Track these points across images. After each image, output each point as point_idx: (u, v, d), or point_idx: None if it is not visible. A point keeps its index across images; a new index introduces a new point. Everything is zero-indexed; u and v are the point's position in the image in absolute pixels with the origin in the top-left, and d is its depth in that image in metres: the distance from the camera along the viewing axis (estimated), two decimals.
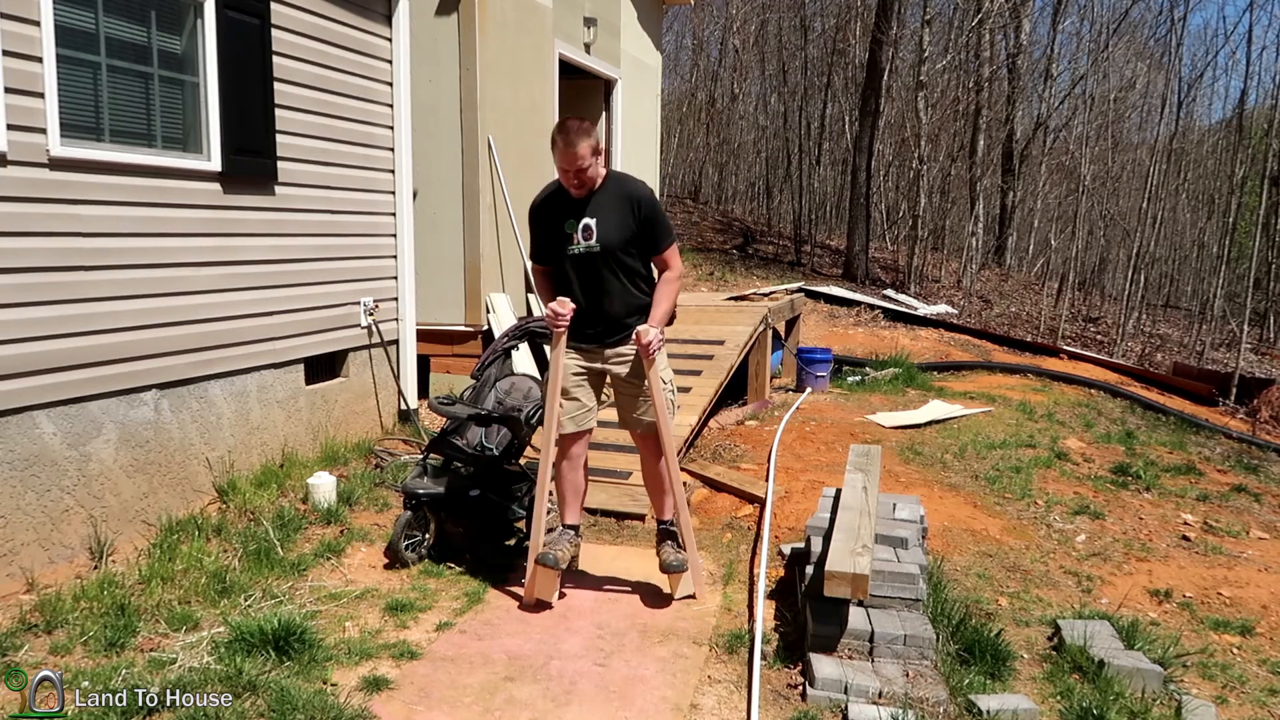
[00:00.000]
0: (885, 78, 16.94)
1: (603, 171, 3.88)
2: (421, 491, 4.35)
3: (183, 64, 4.61)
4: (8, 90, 3.72)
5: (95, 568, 4.05)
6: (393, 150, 6.11)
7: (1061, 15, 21.62)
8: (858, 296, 13.87)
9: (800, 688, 3.26)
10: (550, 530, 4.06)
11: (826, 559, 3.33)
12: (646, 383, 3.88)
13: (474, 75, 6.78)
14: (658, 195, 4.01)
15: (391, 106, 6.08)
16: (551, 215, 3.90)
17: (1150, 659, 3.61)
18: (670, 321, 3.95)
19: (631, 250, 3.86)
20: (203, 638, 3.45)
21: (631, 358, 3.93)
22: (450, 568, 4.36)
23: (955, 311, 15.02)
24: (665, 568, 4.02)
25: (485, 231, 6.95)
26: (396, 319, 6.24)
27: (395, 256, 6.19)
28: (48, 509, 3.96)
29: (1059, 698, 3.36)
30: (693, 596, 4.03)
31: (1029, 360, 11.00)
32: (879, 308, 13.31)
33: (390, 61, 6.03)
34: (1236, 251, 18.47)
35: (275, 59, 5.06)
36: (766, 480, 5.45)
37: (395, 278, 6.21)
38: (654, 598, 4.04)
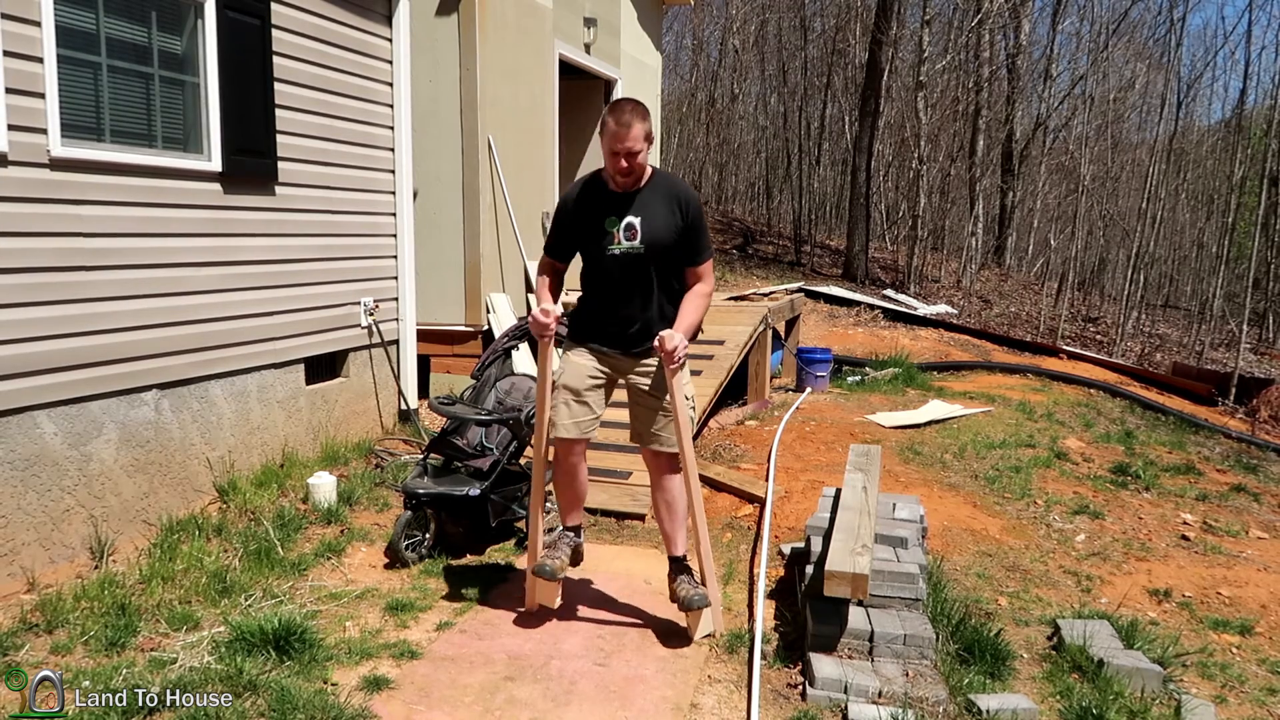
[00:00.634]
0: (885, 78, 16.94)
1: (649, 169, 3.57)
2: (421, 491, 4.35)
3: (183, 64, 4.61)
4: (8, 90, 3.72)
5: (96, 567, 4.05)
6: (393, 150, 6.12)
7: (1061, 15, 21.65)
8: (858, 296, 13.87)
9: (800, 687, 3.26)
10: (550, 530, 3.96)
11: (826, 559, 3.33)
12: (668, 397, 3.54)
13: (474, 75, 6.78)
14: None
15: (392, 107, 6.08)
16: (589, 211, 3.56)
17: (1150, 658, 3.62)
18: (694, 338, 3.61)
19: (672, 255, 3.55)
20: (203, 637, 3.46)
21: (655, 368, 3.61)
22: (450, 568, 4.36)
23: (955, 311, 15.02)
24: (684, 604, 3.62)
25: (485, 231, 6.96)
26: (397, 319, 6.24)
27: (395, 256, 6.19)
28: (48, 509, 3.96)
29: (1058, 697, 3.37)
30: (712, 635, 3.67)
31: (1028, 360, 11.00)
32: (879, 308, 13.31)
33: (390, 62, 6.04)
34: (1236, 251, 18.49)
35: (275, 59, 5.06)
36: (766, 480, 5.45)
37: (395, 278, 6.21)
38: (654, 598, 4.03)
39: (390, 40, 6.02)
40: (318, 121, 5.42)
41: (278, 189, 5.15)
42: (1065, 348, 12.24)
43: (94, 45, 4.13)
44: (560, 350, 3.77)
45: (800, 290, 12.85)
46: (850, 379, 8.92)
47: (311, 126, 5.37)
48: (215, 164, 4.71)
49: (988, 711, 3.08)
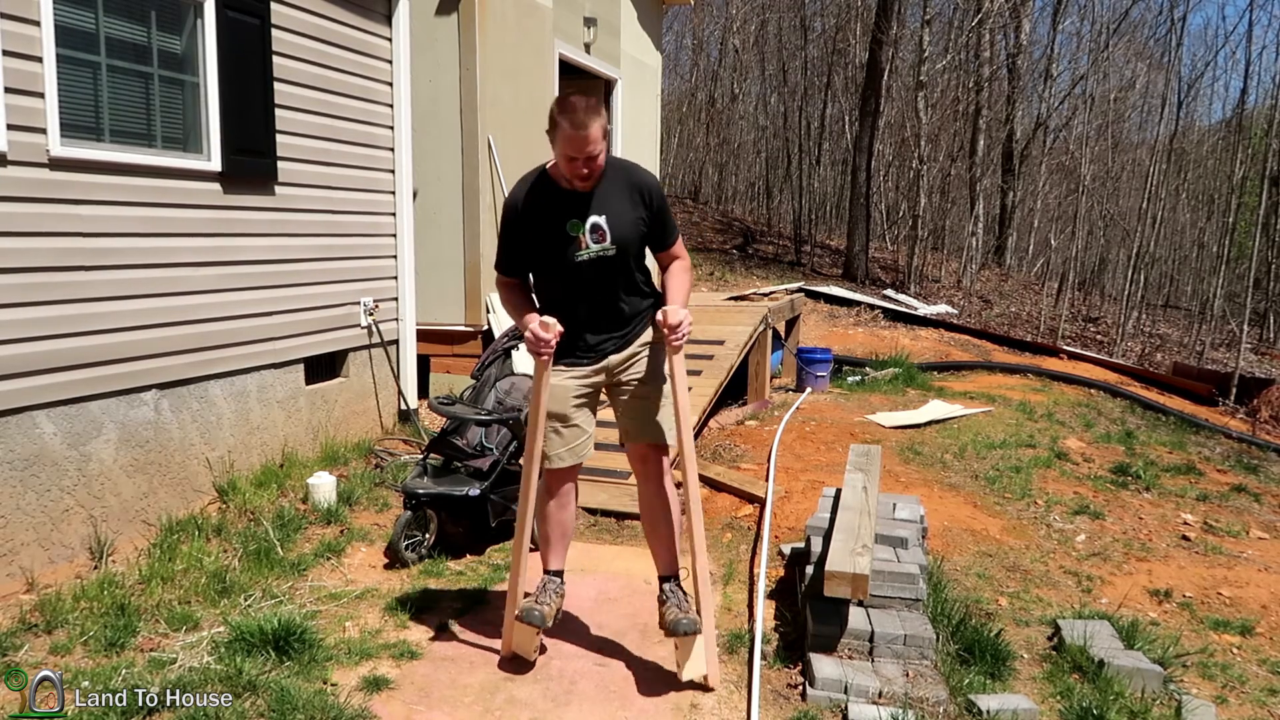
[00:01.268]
0: (885, 78, 16.94)
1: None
2: (421, 491, 4.35)
3: (183, 64, 4.61)
4: (8, 90, 3.72)
5: (95, 568, 4.05)
6: (393, 150, 6.11)
7: (1061, 15, 21.64)
8: (858, 296, 13.87)
9: (800, 688, 3.26)
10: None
11: (826, 559, 3.33)
12: (665, 382, 3.24)
13: (474, 75, 6.78)
14: None
15: (391, 106, 6.08)
16: (545, 215, 3.17)
17: (1150, 659, 3.61)
18: None
19: (643, 246, 3.27)
20: (203, 638, 3.45)
21: (644, 356, 3.31)
22: (450, 568, 4.36)
23: (955, 311, 15.02)
24: (671, 628, 3.21)
25: (485, 231, 6.95)
26: (396, 319, 6.24)
27: (395, 256, 6.19)
28: (48, 509, 3.96)
29: (1059, 698, 3.36)
30: (705, 681, 3.25)
31: (1029, 360, 11.00)
32: (879, 308, 13.31)
33: (390, 61, 6.03)
34: (1236, 251, 18.48)
35: (275, 59, 5.06)
36: (766, 480, 5.45)
37: (395, 278, 6.21)
38: (653, 598, 4.01)
39: (390, 40, 6.02)
40: (318, 121, 5.42)
41: (277, 189, 5.15)
42: (1065, 348, 12.24)
43: (93, 45, 4.13)
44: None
45: (800, 290, 12.85)
46: (850, 379, 8.92)
47: (311, 126, 5.36)
48: (215, 164, 4.71)
49: (988, 712, 3.07)
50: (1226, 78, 32.79)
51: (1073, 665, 3.57)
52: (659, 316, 3.15)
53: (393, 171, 6.12)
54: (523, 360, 6.71)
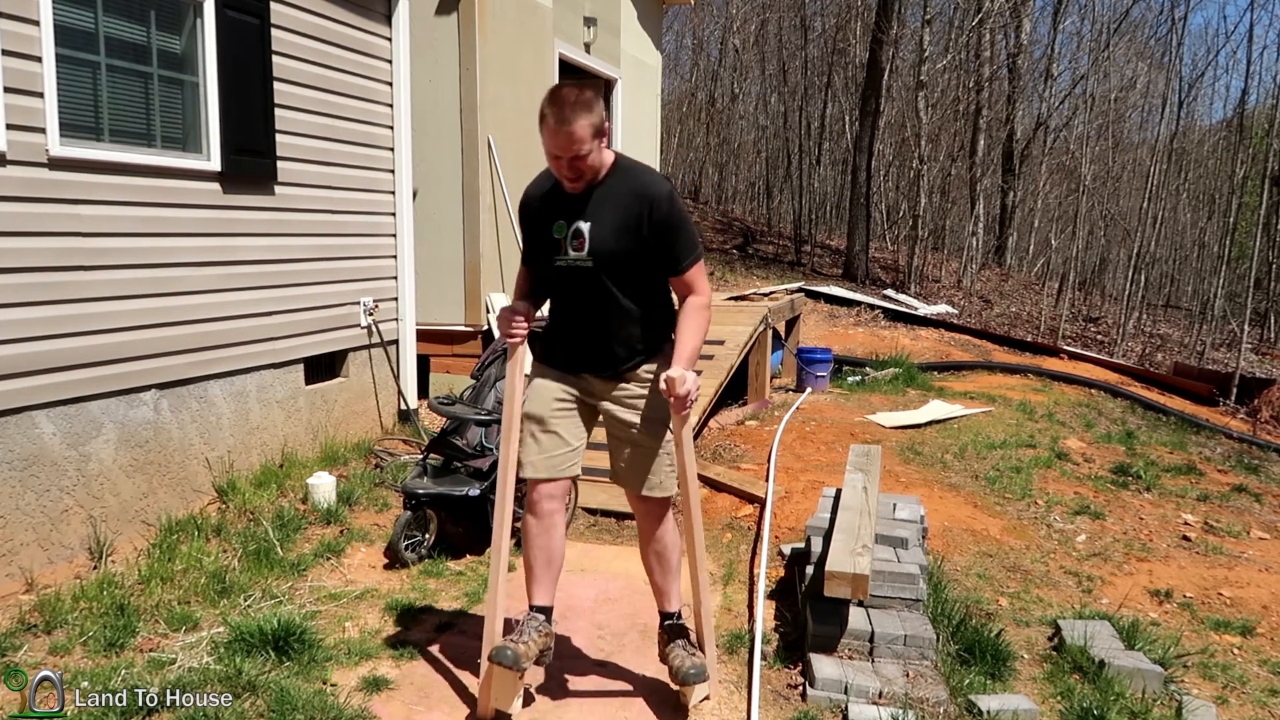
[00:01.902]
0: (885, 77, 16.94)
1: (609, 159, 2.91)
2: (421, 491, 4.35)
3: (182, 64, 4.61)
4: (7, 90, 3.72)
5: (95, 568, 4.04)
6: (393, 150, 6.11)
7: (1062, 15, 21.66)
8: (858, 296, 13.87)
9: (800, 688, 3.25)
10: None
11: (826, 559, 3.33)
12: (665, 434, 2.97)
13: (474, 75, 6.78)
14: None
15: (391, 106, 6.08)
16: (540, 212, 2.97)
17: (1151, 659, 3.61)
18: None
19: (638, 266, 2.88)
20: (202, 638, 3.45)
21: (641, 401, 2.96)
22: (450, 568, 4.36)
23: (955, 311, 15.02)
24: (680, 677, 2.98)
25: (485, 231, 6.95)
26: (396, 319, 6.24)
27: (395, 256, 6.19)
28: (47, 509, 3.96)
29: (1059, 698, 3.36)
30: (708, 698, 3.20)
31: (1029, 360, 11.00)
32: (879, 308, 13.31)
33: (390, 61, 6.03)
34: (1237, 251, 18.47)
35: (275, 59, 5.05)
36: (766, 480, 5.45)
37: (395, 278, 6.21)
38: (653, 598, 4.02)
39: (390, 40, 6.02)
40: (317, 121, 5.41)
41: (277, 188, 5.14)
42: (1066, 348, 12.24)
43: (93, 44, 4.13)
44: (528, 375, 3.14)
45: (800, 290, 12.85)
46: (850, 379, 8.92)
47: (311, 126, 5.36)
48: (214, 163, 4.70)
49: (988, 712, 3.07)
50: (1227, 78, 32.86)
51: (1073, 665, 3.57)
52: (661, 384, 2.81)
53: (392, 171, 6.12)
54: None
